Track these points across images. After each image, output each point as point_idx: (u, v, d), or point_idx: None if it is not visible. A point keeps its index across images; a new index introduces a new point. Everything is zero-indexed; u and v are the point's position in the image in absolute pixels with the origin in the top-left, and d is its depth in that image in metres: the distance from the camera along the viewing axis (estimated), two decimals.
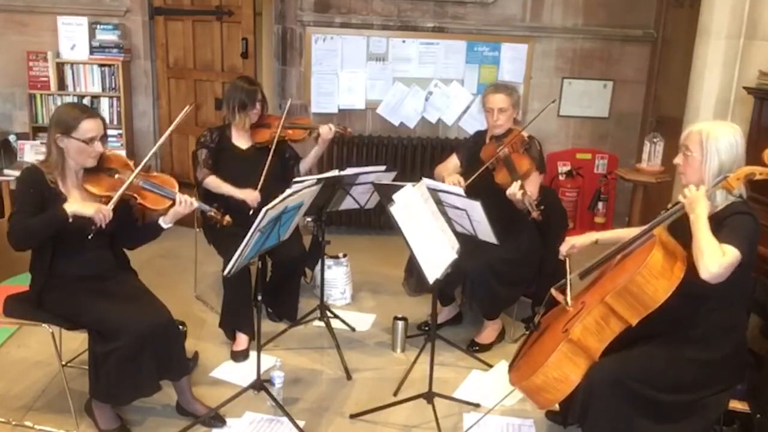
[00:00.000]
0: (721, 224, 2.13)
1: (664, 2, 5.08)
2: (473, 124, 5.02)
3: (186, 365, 2.74)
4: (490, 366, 3.26)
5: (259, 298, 2.74)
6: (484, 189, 3.11)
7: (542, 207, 3.01)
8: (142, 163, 2.61)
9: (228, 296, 3.33)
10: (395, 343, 3.43)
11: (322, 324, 3.52)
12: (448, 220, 2.93)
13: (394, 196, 2.50)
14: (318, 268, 3.73)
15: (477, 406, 2.93)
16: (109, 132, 4.84)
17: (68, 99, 4.79)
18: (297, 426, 2.69)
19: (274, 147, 3.43)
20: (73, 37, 4.80)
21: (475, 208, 2.87)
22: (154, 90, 5.16)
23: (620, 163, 5.25)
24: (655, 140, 4.40)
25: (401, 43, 5.05)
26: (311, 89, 5.07)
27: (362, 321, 3.74)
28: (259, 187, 3.31)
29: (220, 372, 3.15)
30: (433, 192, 2.83)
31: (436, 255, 2.56)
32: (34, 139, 4.76)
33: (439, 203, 2.88)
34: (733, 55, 3.58)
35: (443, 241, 2.62)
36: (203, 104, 4.99)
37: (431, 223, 2.61)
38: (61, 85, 4.85)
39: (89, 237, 2.45)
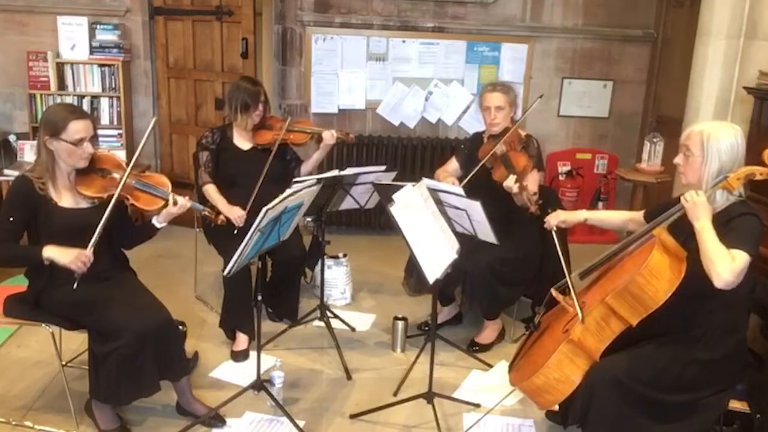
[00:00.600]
0: (726, 226, 2.12)
1: (664, 2, 5.08)
2: (473, 124, 5.02)
3: (186, 365, 2.74)
4: (490, 366, 3.26)
5: (259, 298, 2.74)
6: (483, 189, 3.11)
7: (540, 201, 3.02)
8: (132, 163, 2.56)
9: (228, 296, 3.33)
10: (395, 343, 3.43)
11: (322, 324, 3.52)
12: (448, 220, 2.93)
13: (394, 196, 2.50)
14: (318, 268, 3.73)
15: (477, 406, 2.93)
16: (109, 132, 4.89)
17: (68, 99, 4.79)
18: (297, 426, 2.69)
19: (275, 150, 3.42)
20: (73, 37, 4.80)
21: (475, 208, 2.87)
22: (154, 90, 5.16)
23: (620, 163, 5.25)
24: (655, 140, 4.40)
25: (401, 43, 5.05)
26: (311, 89, 5.07)
27: (362, 321, 3.74)
28: (254, 192, 3.26)
29: (220, 372, 3.15)
30: (433, 192, 2.83)
31: (436, 255, 2.56)
32: (34, 139, 4.74)
33: (439, 203, 2.88)
34: (733, 55, 3.58)
35: (443, 241, 2.62)
36: (203, 104, 4.99)
37: (431, 223, 2.61)
38: (61, 85, 4.85)
39: (74, 287, 2.44)
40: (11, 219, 2.47)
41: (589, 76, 5.25)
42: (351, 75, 5.07)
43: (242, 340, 3.30)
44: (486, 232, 2.98)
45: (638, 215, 2.56)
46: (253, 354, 3.11)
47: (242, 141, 3.56)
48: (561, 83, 5.23)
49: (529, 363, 2.40)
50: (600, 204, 5.28)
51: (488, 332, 3.49)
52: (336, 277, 3.91)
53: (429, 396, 2.80)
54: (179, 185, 2.73)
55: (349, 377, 3.15)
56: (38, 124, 2.85)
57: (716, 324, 2.22)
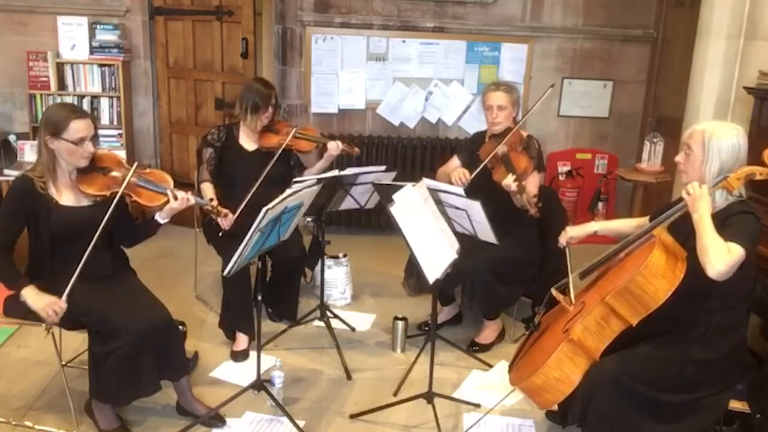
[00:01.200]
0: (724, 223, 2.13)
1: (664, 2, 5.08)
2: (473, 124, 5.02)
3: (186, 365, 2.74)
4: (490, 366, 3.26)
5: (259, 298, 2.74)
6: (484, 189, 3.12)
7: (540, 204, 3.02)
8: (135, 165, 2.58)
9: (227, 296, 3.33)
10: (395, 343, 3.43)
11: (322, 324, 3.52)
12: (448, 220, 2.93)
13: (394, 196, 2.50)
14: (318, 268, 3.73)
15: (477, 406, 2.93)
16: (109, 132, 4.89)
17: (68, 99, 4.79)
18: (297, 426, 2.69)
19: (278, 154, 3.40)
20: (73, 37, 4.80)
21: (475, 208, 2.87)
22: (154, 90, 5.16)
23: (620, 163, 5.25)
24: (655, 140, 4.41)
25: (401, 43, 5.05)
26: (311, 89, 5.07)
27: (362, 321, 3.74)
28: (250, 194, 3.19)
29: (220, 372, 3.15)
30: (433, 192, 2.83)
31: (436, 255, 2.56)
32: (34, 139, 4.74)
33: (439, 203, 2.88)
34: (733, 55, 3.58)
35: (443, 241, 2.62)
36: (203, 104, 4.99)
37: (431, 223, 2.61)
38: (61, 85, 4.85)
39: (45, 336, 2.45)
40: (6, 215, 2.48)
41: (589, 76, 5.25)
42: (351, 75, 5.07)
43: (242, 340, 3.30)
44: (486, 232, 2.98)
45: (645, 221, 2.54)
46: (253, 354, 3.11)
47: (248, 142, 3.55)
48: (561, 83, 5.23)
49: (529, 363, 2.40)
50: (600, 204, 5.28)
51: (488, 332, 3.49)
52: (336, 277, 3.91)
53: (429, 396, 2.80)
54: (180, 185, 2.73)
55: (349, 377, 3.15)
56: (39, 123, 2.85)
57: (716, 324, 2.22)
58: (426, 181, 2.77)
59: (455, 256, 2.62)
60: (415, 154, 5.08)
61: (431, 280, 2.53)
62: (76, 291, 2.47)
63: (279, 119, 3.68)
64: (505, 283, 3.29)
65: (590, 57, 5.22)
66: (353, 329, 3.63)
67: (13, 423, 2.69)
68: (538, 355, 2.37)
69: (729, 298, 2.20)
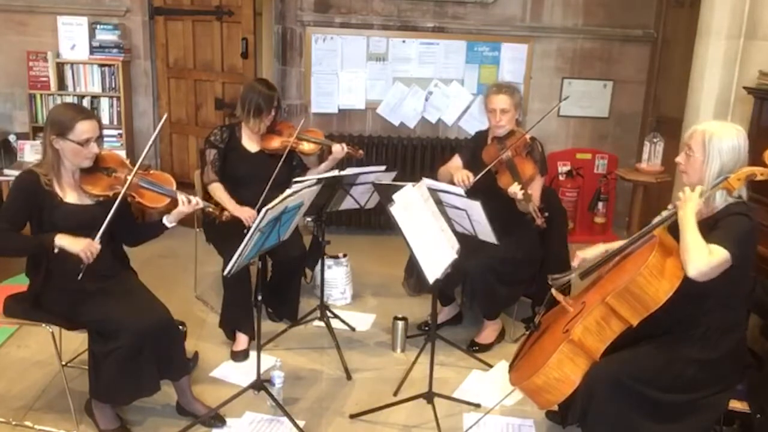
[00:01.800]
0: (716, 225, 2.13)
1: (664, 2, 5.08)
2: (473, 124, 5.02)
3: (186, 365, 2.74)
4: (490, 366, 3.26)
5: (259, 298, 2.73)
6: (484, 189, 3.12)
7: (547, 214, 3.01)
8: (139, 161, 2.58)
9: (228, 296, 3.33)
10: (395, 343, 3.43)
11: (322, 324, 3.52)
12: (448, 220, 2.93)
13: (394, 196, 2.50)
14: (318, 268, 3.73)
15: (477, 406, 2.93)
16: (109, 132, 4.88)
17: (68, 99, 4.80)
18: (297, 426, 2.69)
19: (284, 157, 3.37)
20: (73, 37, 4.80)
21: (475, 208, 2.87)
22: (154, 90, 5.16)
23: (620, 163, 5.25)
24: (655, 140, 4.40)
25: (401, 43, 5.05)
26: (311, 89, 5.07)
27: (362, 321, 3.74)
28: (262, 197, 3.20)
29: (220, 372, 3.15)
30: (433, 192, 2.83)
31: (436, 255, 2.56)
32: (34, 139, 4.76)
33: (439, 203, 2.88)
34: (733, 55, 3.58)
35: (443, 241, 2.62)
36: (203, 104, 4.99)
37: (431, 223, 2.61)
38: (61, 85, 4.85)
39: (78, 277, 2.44)
40: (13, 206, 2.48)
41: (589, 76, 5.25)
42: (351, 75, 5.07)
43: (242, 340, 3.30)
44: (486, 232, 2.97)
45: None
46: (253, 354, 3.11)
47: (250, 143, 3.54)
48: (561, 83, 5.23)
49: (530, 363, 2.40)
50: (600, 204, 5.28)
51: (488, 332, 3.49)
52: (336, 277, 3.91)
53: (429, 396, 2.80)
54: (179, 185, 2.73)
55: (349, 377, 3.15)
56: (44, 123, 2.85)
57: (716, 324, 2.22)
58: (426, 181, 2.77)
59: (455, 256, 2.62)
60: (415, 154, 5.08)
61: (431, 280, 2.53)
62: (76, 291, 2.48)
63: (281, 120, 3.67)
64: (505, 283, 3.29)
65: (590, 57, 5.22)
66: (353, 329, 3.63)
67: (13, 423, 2.69)
68: (539, 355, 2.37)
69: (729, 299, 2.20)
